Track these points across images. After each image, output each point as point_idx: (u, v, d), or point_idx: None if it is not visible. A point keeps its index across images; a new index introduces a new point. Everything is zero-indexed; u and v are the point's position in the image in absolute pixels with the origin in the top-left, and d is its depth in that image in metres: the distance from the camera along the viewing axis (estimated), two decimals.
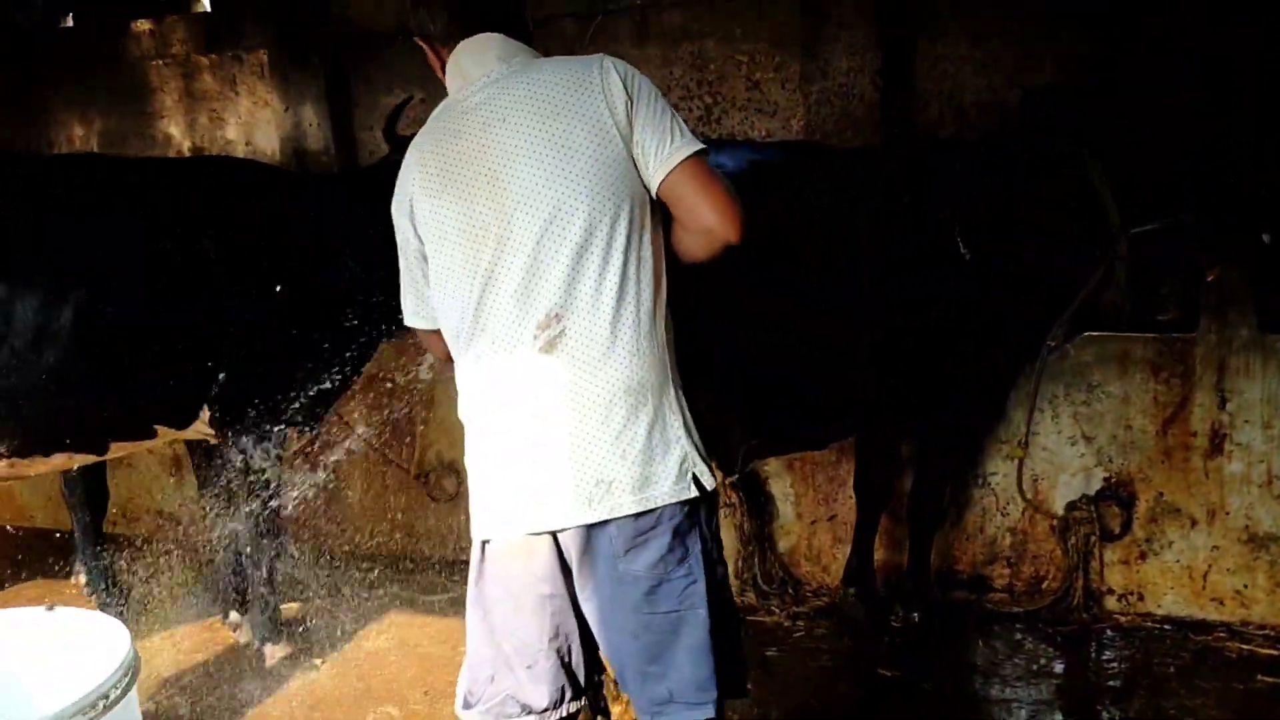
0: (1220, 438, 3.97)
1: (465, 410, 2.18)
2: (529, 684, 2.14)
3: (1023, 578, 4.30)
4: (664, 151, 2.03)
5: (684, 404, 2.12)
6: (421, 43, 2.28)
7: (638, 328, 2.03)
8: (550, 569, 2.10)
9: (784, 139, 5.05)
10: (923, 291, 3.63)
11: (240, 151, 5.74)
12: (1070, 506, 4.14)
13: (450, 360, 2.35)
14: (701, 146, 2.07)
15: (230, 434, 3.80)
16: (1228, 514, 4.00)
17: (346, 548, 5.07)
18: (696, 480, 2.06)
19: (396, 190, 2.21)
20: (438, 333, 2.27)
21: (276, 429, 3.83)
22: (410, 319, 2.34)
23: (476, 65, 2.13)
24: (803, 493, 4.53)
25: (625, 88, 2.04)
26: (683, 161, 2.03)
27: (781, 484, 4.55)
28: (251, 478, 3.85)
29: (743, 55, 5.20)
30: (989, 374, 3.96)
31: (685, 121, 2.10)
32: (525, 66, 2.10)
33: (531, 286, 2.02)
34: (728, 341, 3.39)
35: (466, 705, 2.21)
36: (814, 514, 4.53)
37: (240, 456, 3.83)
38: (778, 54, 5.12)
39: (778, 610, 4.33)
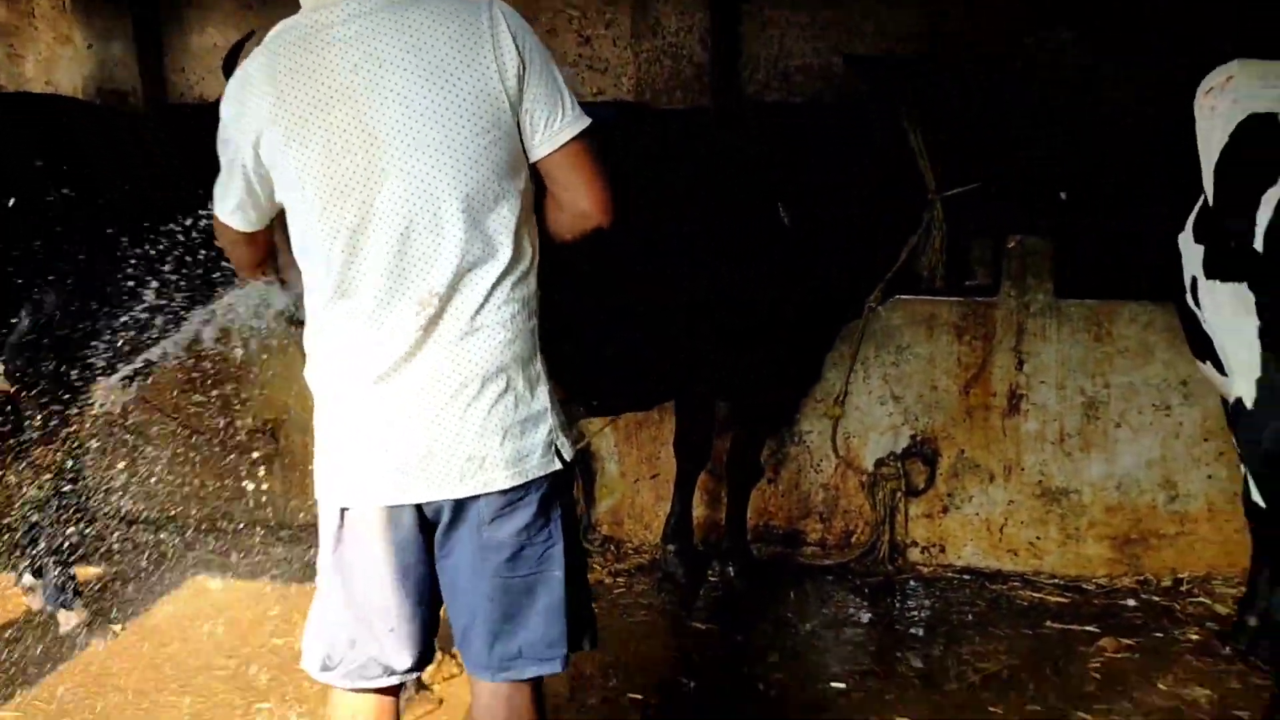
0: (1018, 398, 4.18)
1: (319, 373, 2.07)
2: (392, 647, 2.12)
3: (834, 532, 4.45)
4: (553, 126, 1.95)
5: (548, 377, 2.09)
6: None
7: (512, 304, 1.98)
8: (414, 537, 2.07)
9: (615, 98, 5.03)
10: (744, 255, 3.67)
11: (39, 89, 5.36)
12: (879, 463, 4.30)
13: (252, 274, 2.30)
14: (588, 123, 1.99)
15: (25, 386, 3.56)
16: (1023, 470, 4.22)
17: (155, 511, 4.85)
18: (558, 453, 2.06)
19: (233, 104, 2.00)
20: (253, 237, 2.17)
21: (75, 382, 3.61)
22: (226, 215, 2.14)
23: None
24: (626, 451, 4.56)
25: (517, 47, 1.91)
26: (570, 140, 1.97)
27: (605, 442, 4.57)
28: (46, 434, 3.62)
29: (574, 10, 5.13)
30: (808, 335, 4.06)
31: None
32: (401, 3, 1.91)
33: (406, 261, 1.92)
34: (553, 303, 3.36)
35: (325, 668, 2.17)
36: (637, 473, 4.57)
37: (35, 411, 3.60)
38: (609, 10, 5.08)
39: (600, 568, 4.36)
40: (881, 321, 4.24)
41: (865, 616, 4.00)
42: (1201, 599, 3.97)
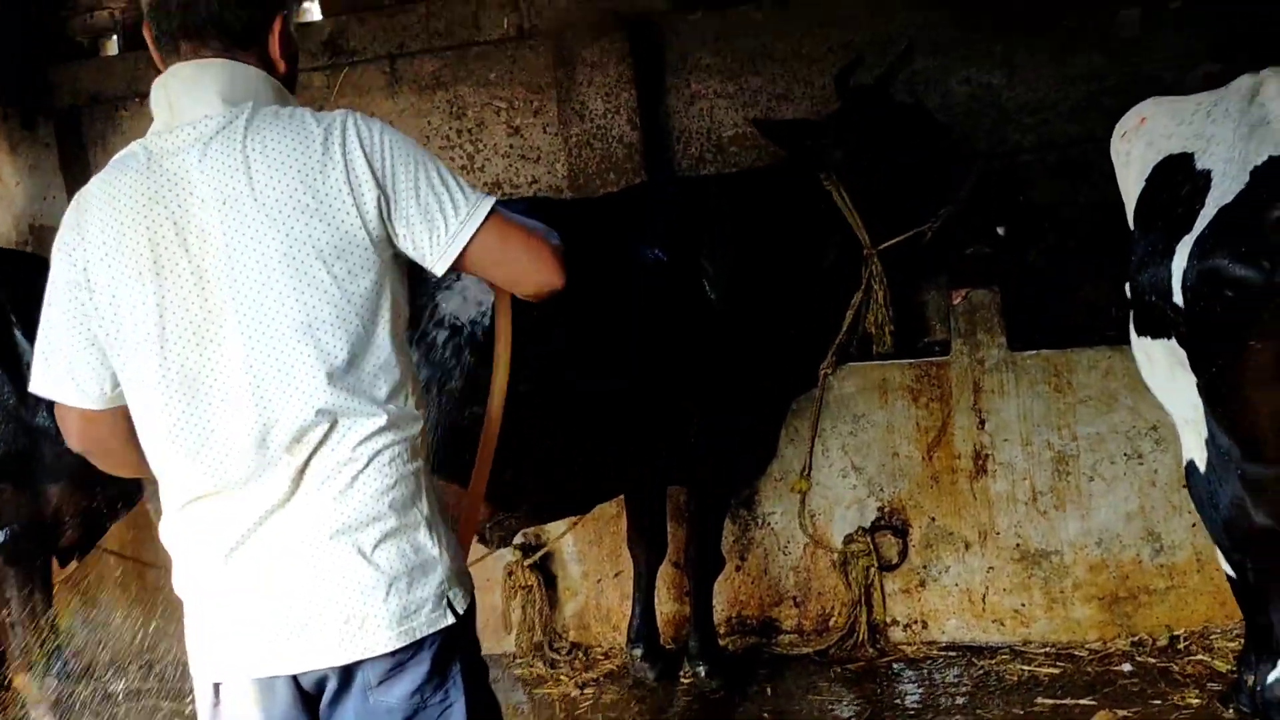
0: (983, 458, 3.98)
1: (176, 541, 1.88)
2: None
3: (810, 616, 4.22)
4: (444, 237, 1.78)
5: (441, 518, 1.89)
6: (148, 40, 1.86)
7: (388, 449, 1.79)
8: (293, 709, 1.87)
9: (550, 185, 4.94)
10: (678, 336, 3.52)
11: None
12: (848, 539, 4.09)
13: (86, 449, 1.96)
14: (490, 203, 1.80)
15: None
16: (998, 534, 4.00)
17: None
18: (451, 605, 1.85)
19: (65, 234, 1.81)
20: (84, 413, 1.87)
21: None
22: (45, 387, 1.86)
23: (190, 99, 1.76)
24: (586, 550, 4.37)
25: (374, 173, 1.73)
26: (475, 234, 1.79)
27: (564, 541, 4.38)
28: None
29: (501, 101, 5.06)
30: (759, 411, 3.90)
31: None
32: (253, 121, 1.73)
33: (261, 417, 1.74)
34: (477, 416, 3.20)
35: None
36: (600, 571, 4.37)
37: None
38: (536, 99, 5.01)
39: (567, 679, 4.14)
40: (835, 390, 4.07)
41: (850, 711, 3.75)
42: (1200, 656, 3.73)
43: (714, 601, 4.03)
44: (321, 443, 1.76)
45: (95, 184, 1.82)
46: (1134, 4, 4.35)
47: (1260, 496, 2.31)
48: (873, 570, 4.06)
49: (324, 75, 5.17)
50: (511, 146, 5.05)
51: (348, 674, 1.82)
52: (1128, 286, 2.88)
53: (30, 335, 2.59)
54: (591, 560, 4.37)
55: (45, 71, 5.30)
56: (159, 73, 1.84)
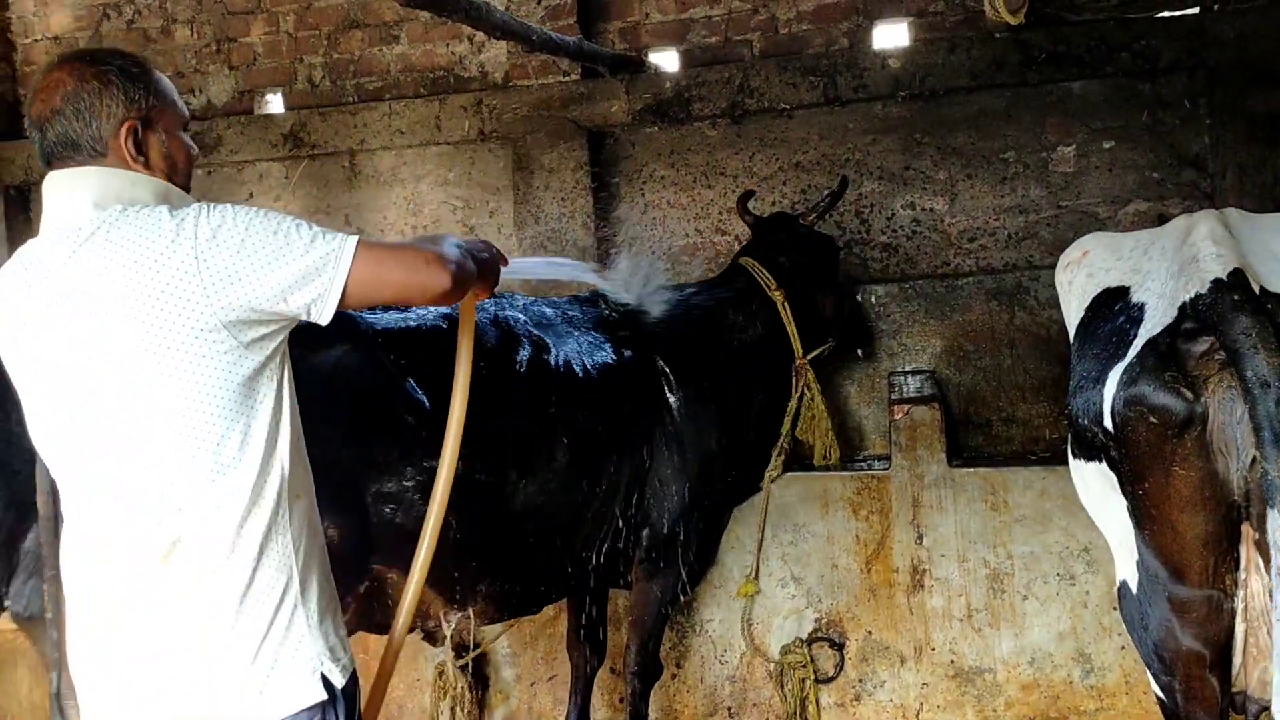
0: (920, 573, 4.02)
1: (67, 602, 1.96)
2: None
3: None
4: (317, 301, 1.80)
5: (317, 595, 1.92)
6: None
7: (263, 528, 1.84)
8: None
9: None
10: (622, 443, 3.55)
11: None
12: (785, 650, 4.08)
13: None
14: (349, 245, 1.80)
15: None
16: (934, 649, 4.03)
17: None
18: (325, 680, 1.87)
19: None
20: None
21: None
22: None
23: (66, 207, 1.82)
24: (520, 652, 4.30)
25: (210, 262, 1.73)
26: (346, 277, 1.79)
27: (499, 643, 4.30)
28: None
29: (457, 200, 5.15)
30: (707, 514, 3.91)
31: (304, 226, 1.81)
32: (110, 229, 1.76)
33: (127, 511, 1.81)
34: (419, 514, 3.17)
35: None
36: (533, 675, 4.29)
37: None
38: (492, 199, 5.10)
39: None
40: (776, 499, 4.11)
41: None
42: None
43: (649, 710, 3.97)
44: (200, 524, 1.80)
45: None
46: (1070, 142, 4.59)
47: (1186, 618, 2.37)
48: (809, 683, 4.05)
49: (282, 166, 5.23)
50: None
51: None
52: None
53: None
54: (525, 663, 4.30)
55: None
56: None
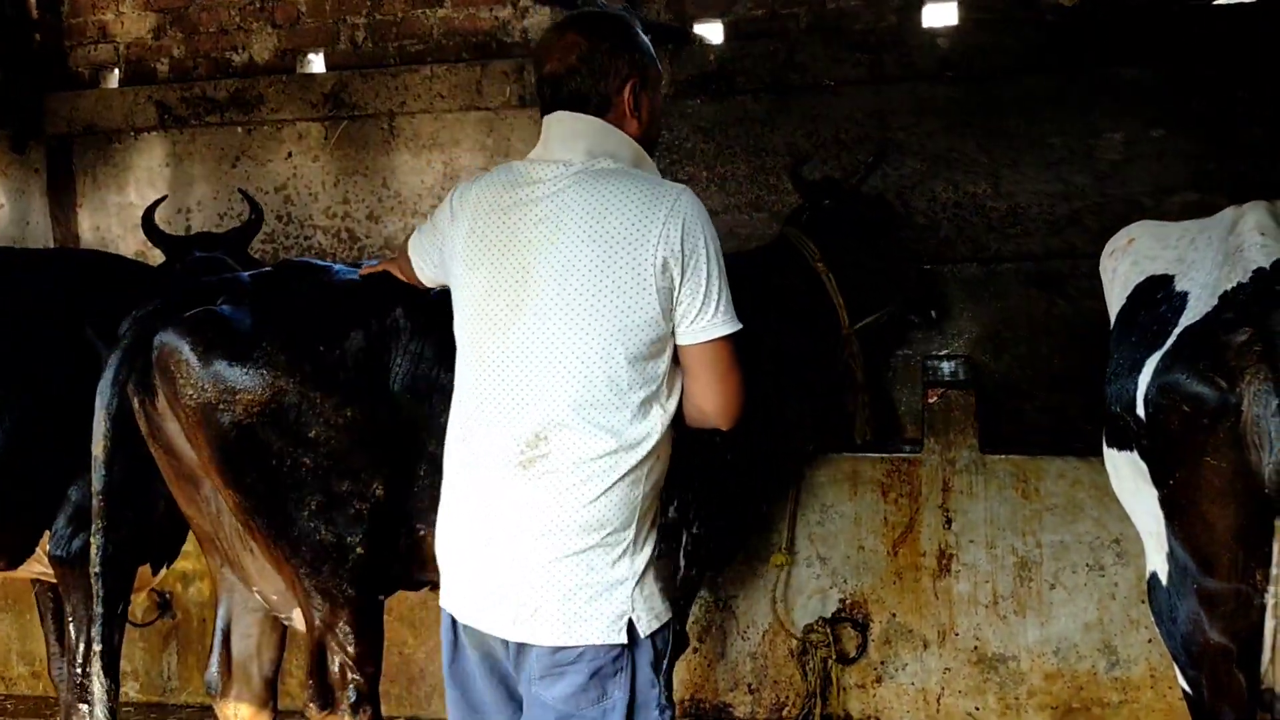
0: (948, 558, 4.00)
1: (446, 472, 2.16)
2: None
3: (764, 704, 4.19)
4: (700, 322, 2.02)
5: (648, 551, 2.04)
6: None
7: (616, 470, 1.97)
8: (501, 656, 2.07)
9: None
10: None
11: None
12: (808, 629, 4.07)
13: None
14: (734, 329, 2.05)
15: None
16: (957, 635, 4.01)
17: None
18: (632, 627, 1.97)
19: (456, 201, 2.19)
20: (412, 274, 2.45)
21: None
22: (412, 254, 2.42)
23: (563, 146, 2.10)
24: None
25: (682, 243, 1.97)
26: (712, 340, 2.03)
27: None
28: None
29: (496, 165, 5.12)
30: (736, 490, 3.90)
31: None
32: (599, 177, 2.03)
33: (522, 396, 2.00)
34: None
35: None
36: None
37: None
38: None
39: None
40: (805, 479, 4.09)
41: None
42: None
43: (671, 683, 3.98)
44: (559, 440, 1.97)
45: (469, 187, 2.19)
46: (1117, 129, 4.50)
47: (1215, 612, 2.34)
48: (830, 662, 4.04)
49: (321, 126, 5.24)
50: None
51: (521, 655, 2.01)
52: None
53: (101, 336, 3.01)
54: None
55: (41, 98, 5.33)
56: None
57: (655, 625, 2.00)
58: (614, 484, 1.96)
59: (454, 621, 2.11)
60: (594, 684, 1.95)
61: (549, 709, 1.98)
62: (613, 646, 1.95)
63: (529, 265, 2.02)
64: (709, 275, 2.00)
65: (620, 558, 1.98)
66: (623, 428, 1.97)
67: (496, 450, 2.01)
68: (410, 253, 2.43)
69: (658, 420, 2.02)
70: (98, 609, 2.73)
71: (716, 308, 2.02)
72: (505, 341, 2.02)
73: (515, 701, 2.10)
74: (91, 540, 2.71)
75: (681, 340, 2.03)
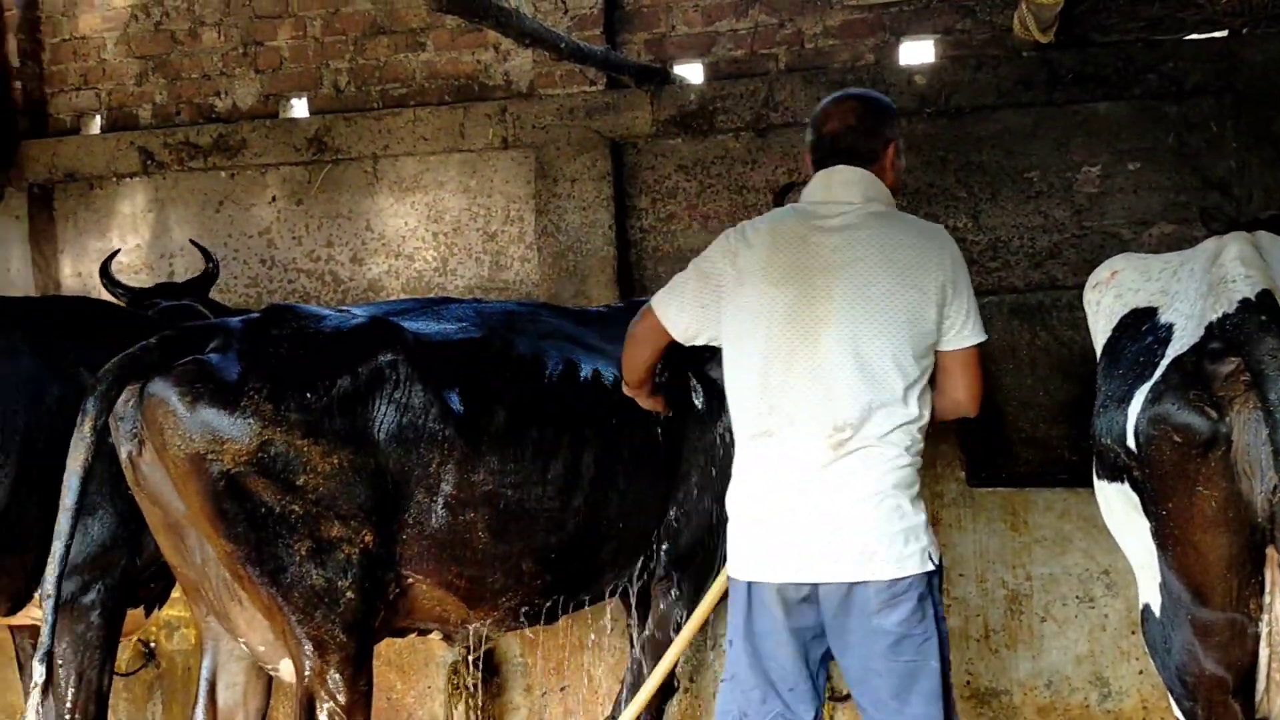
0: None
1: (742, 467, 2.64)
2: (795, 702, 2.60)
3: None
4: (962, 332, 2.58)
5: (925, 503, 2.60)
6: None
7: (903, 442, 2.51)
8: (809, 610, 2.53)
9: (517, 296, 4.99)
10: (653, 458, 3.51)
11: None
12: None
13: (637, 388, 3.02)
14: (983, 339, 2.62)
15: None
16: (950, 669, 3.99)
17: None
18: (930, 557, 2.52)
19: (729, 241, 2.66)
20: (665, 334, 2.75)
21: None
22: (664, 310, 2.74)
23: (845, 190, 2.63)
24: (532, 661, 4.28)
25: (952, 273, 2.56)
26: (968, 347, 2.59)
27: (511, 650, 4.30)
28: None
29: (479, 208, 5.15)
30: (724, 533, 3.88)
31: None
32: (880, 218, 2.60)
33: (833, 397, 2.48)
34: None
35: None
36: (544, 685, 4.28)
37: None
38: (513, 208, 5.11)
39: None
40: None
41: None
42: None
43: None
44: (865, 422, 2.48)
45: (760, 223, 2.68)
46: (1095, 163, 4.56)
47: (1210, 642, 2.34)
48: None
49: (305, 170, 5.25)
50: (485, 251, 5.13)
51: (851, 596, 2.48)
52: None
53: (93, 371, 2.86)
54: (536, 673, 4.29)
55: (19, 145, 5.32)
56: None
57: (937, 553, 2.56)
58: (906, 449, 2.51)
59: (749, 589, 2.57)
60: (919, 606, 2.48)
61: (887, 634, 2.47)
62: (926, 573, 2.49)
63: (831, 285, 2.52)
64: (968, 296, 2.58)
65: (915, 504, 2.53)
66: (910, 409, 2.50)
67: (810, 435, 2.48)
68: (662, 307, 2.75)
69: (927, 403, 2.57)
70: (44, 639, 2.66)
71: (973, 322, 2.58)
72: (815, 346, 2.50)
73: (804, 654, 2.56)
74: (46, 572, 2.67)
75: (945, 346, 2.58)
